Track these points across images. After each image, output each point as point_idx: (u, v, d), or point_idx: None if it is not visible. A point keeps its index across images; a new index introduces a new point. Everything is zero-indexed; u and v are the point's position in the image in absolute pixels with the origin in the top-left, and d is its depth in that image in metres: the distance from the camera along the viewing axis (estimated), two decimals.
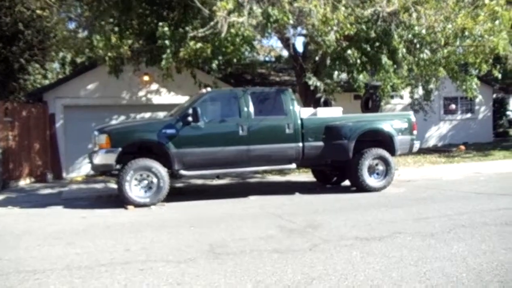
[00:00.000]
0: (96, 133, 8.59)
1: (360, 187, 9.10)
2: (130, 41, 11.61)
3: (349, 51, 10.06)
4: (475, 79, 12.23)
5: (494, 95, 21.35)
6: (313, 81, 10.54)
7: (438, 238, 5.23)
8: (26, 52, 16.38)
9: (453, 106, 18.95)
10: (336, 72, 11.14)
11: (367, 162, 9.05)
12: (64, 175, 13.87)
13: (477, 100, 17.60)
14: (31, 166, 12.97)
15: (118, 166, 8.45)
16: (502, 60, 12.63)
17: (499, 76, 12.31)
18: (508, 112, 26.87)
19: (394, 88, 11.34)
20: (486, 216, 6.26)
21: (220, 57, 9.81)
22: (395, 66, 10.44)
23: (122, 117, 14.43)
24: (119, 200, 8.41)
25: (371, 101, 12.40)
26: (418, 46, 10.75)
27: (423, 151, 15.27)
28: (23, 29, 15.03)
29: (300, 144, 9.00)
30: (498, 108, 23.15)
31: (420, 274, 4.05)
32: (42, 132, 13.54)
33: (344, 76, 12.38)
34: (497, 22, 10.72)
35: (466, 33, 10.84)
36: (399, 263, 4.36)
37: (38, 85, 17.11)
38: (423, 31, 10.41)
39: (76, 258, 4.90)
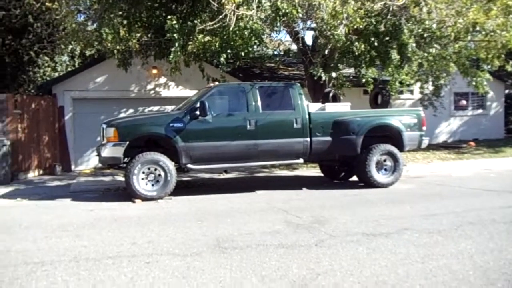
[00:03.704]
0: (104, 126, 8.62)
1: (368, 182, 9.05)
2: (138, 34, 11.63)
3: (356, 44, 9.98)
4: (487, 75, 12.08)
5: (507, 91, 21.05)
6: (319, 73, 10.44)
7: (446, 235, 5.19)
8: (35, 44, 16.44)
9: (463, 102, 18.72)
10: (341, 66, 11.05)
11: (375, 157, 8.99)
12: (72, 167, 13.96)
13: (488, 95, 17.40)
14: (40, 158, 13.07)
15: (125, 160, 8.48)
16: None
17: None
18: None
19: (402, 84, 11.24)
20: (494, 214, 6.21)
21: (228, 51, 9.79)
22: (403, 61, 10.33)
23: (131, 110, 14.47)
24: (126, 193, 8.45)
25: (380, 96, 12.30)
26: (428, 40, 10.63)
27: (432, 147, 15.16)
28: (33, 21, 15.07)
29: (308, 139, 8.97)
30: (510, 104, 22.85)
31: (426, 271, 4.02)
32: (51, 125, 13.63)
33: (352, 70, 12.29)
34: (510, 16, 10.57)
35: (478, 28, 10.71)
36: (405, 260, 4.33)
37: (48, 78, 17.17)
38: (434, 26, 10.30)
39: (83, 251, 4.93)
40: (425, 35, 10.54)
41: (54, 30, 15.34)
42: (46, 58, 17.36)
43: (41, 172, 13.06)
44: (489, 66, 12.28)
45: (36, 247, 5.17)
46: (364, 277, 3.91)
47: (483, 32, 11.03)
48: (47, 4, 10.70)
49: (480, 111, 19.18)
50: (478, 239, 4.99)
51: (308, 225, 5.86)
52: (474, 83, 12.17)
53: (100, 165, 10.88)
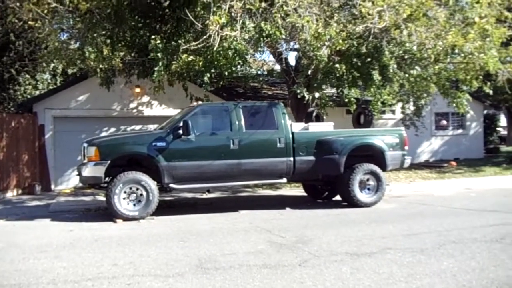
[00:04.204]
0: (85, 145, 8.52)
1: (351, 202, 9.07)
2: (122, 53, 11.61)
3: (337, 65, 10.11)
4: (466, 95, 12.33)
5: (485, 111, 21.50)
6: (301, 91, 10.49)
7: (428, 254, 5.21)
8: (16, 62, 16.31)
9: (444, 122, 19.03)
10: (324, 86, 11.16)
11: (358, 177, 9.03)
12: (52, 187, 13.71)
13: (468, 116, 17.73)
14: (19, 177, 12.81)
15: (107, 179, 8.37)
16: (493, 77, 12.73)
17: (491, 92, 12.41)
18: (498, 128, 27.12)
19: (384, 104, 11.38)
20: (476, 233, 6.27)
21: (212, 70, 9.82)
22: (385, 82, 10.49)
23: (113, 129, 14.35)
24: (107, 213, 8.32)
25: (363, 116, 12.44)
26: (409, 62, 10.83)
27: (414, 166, 15.31)
28: (14, 39, 14.96)
29: (291, 159, 8.98)
30: (489, 124, 23.34)
31: None
32: (31, 143, 13.41)
33: (335, 91, 12.42)
34: (487, 40, 10.84)
35: (456, 50, 10.95)
36: (389, 279, 4.32)
37: (28, 96, 17.01)
38: (414, 48, 10.50)
39: (62, 272, 4.83)
40: (406, 56, 10.73)
41: (36, 48, 15.24)
42: (27, 76, 17.22)
43: (20, 191, 12.79)
44: (468, 87, 12.52)
45: (13, 268, 5.04)
46: None
47: (462, 55, 11.29)
48: (29, 22, 10.62)
49: (460, 131, 19.51)
50: (460, 258, 5.02)
51: (291, 245, 5.83)
52: (454, 104, 12.39)
53: (80, 184, 10.73)
